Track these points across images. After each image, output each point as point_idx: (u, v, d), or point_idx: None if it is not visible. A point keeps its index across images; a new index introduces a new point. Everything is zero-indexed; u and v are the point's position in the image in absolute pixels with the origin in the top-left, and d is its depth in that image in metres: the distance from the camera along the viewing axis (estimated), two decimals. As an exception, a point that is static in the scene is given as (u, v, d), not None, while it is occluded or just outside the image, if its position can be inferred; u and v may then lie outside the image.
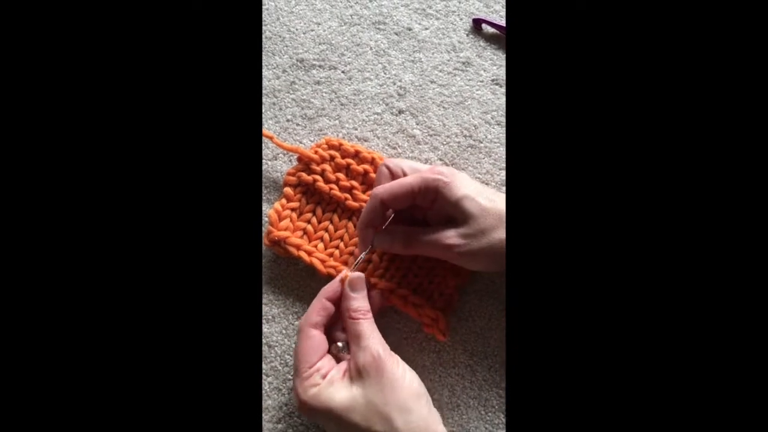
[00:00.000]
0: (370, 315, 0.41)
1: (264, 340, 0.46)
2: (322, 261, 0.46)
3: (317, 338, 0.40)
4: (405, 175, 0.43)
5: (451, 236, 0.40)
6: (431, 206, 0.42)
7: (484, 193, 0.41)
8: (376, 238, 0.43)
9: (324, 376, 0.38)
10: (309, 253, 0.46)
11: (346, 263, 0.47)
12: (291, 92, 0.54)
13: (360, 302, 0.41)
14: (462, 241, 0.40)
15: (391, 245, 0.43)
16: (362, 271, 0.45)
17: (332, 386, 0.38)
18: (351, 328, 0.40)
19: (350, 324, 0.40)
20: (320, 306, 0.41)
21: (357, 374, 0.38)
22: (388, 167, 0.44)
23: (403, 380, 0.38)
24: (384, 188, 0.42)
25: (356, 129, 0.52)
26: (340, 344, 0.41)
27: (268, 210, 0.48)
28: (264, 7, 0.57)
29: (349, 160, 0.49)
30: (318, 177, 0.49)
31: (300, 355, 0.39)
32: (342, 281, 0.42)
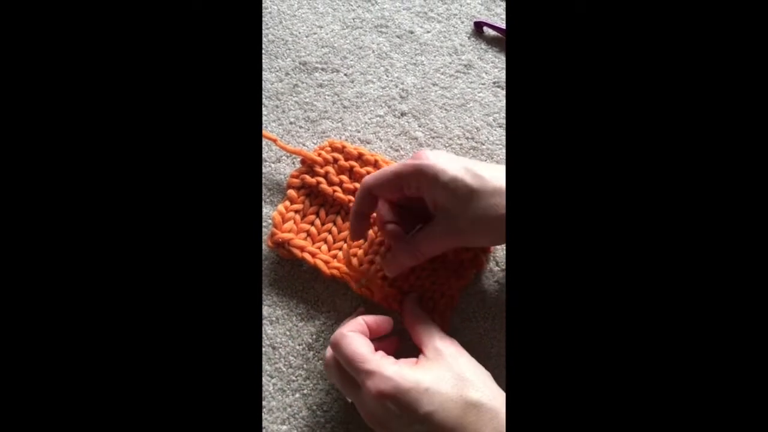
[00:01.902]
0: (425, 317, 0.42)
1: (268, 342, 0.46)
2: (326, 262, 0.47)
3: (360, 338, 0.38)
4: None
5: (449, 227, 0.39)
6: (420, 193, 0.40)
7: (470, 170, 0.39)
8: (384, 265, 0.44)
9: (395, 363, 0.37)
10: (313, 255, 0.47)
11: (350, 264, 0.47)
12: (294, 95, 0.54)
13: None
14: (462, 226, 0.39)
15: (401, 264, 0.43)
16: (375, 277, 0.45)
17: (409, 364, 0.37)
18: (415, 326, 0.41)
19: (414, 324, 0.41)
20: (356, 322, 0.40)
21: (434, 356, 0.38)
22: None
23: (478, 364, 0.39)
24: (371, 176, 0.42)
25: (359, 131, 0.53)
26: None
27: (272, 212, 0.49)
28: (267, 10, 0.57)
29: (352, 163, 0.49)
30: (321, 179, 0.49)
31: (354, 351, 0.37)
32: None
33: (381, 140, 0.52)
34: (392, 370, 0.35)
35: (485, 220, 0.38)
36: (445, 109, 0.53)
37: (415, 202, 0.42)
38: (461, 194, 0.38)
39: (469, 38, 0.56)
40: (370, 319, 0.41)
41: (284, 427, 0.44)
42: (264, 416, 0.44)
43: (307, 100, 0.54)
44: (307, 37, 0.56)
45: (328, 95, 0.54)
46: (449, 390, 0.35)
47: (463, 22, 0.57)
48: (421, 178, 0.39)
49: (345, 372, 0.38)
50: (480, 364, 0.39)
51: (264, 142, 0.51)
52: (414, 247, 0.41)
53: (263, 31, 0.56)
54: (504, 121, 0.53)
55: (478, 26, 0.56)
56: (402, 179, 0.40)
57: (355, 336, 0.38)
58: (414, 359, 0.38)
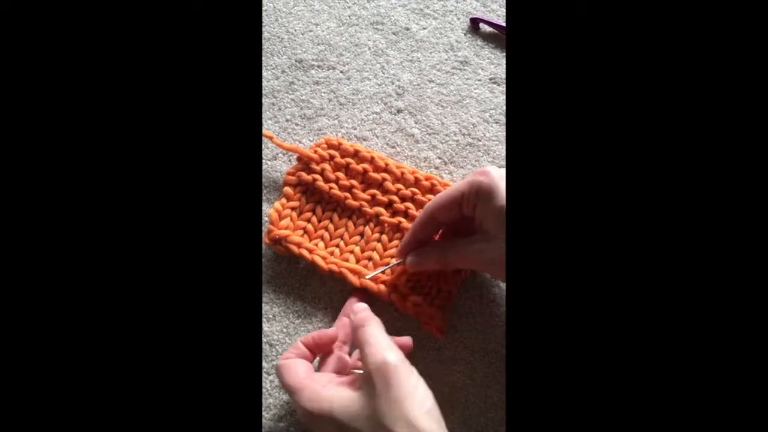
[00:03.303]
0: (376, 321, 0.38)
1: (265, 339, 0.46)
2: (324, 258, 0.46)
3: (296, 361, 0.39)
4: None
5: (484, 251, 0.38)
6: (473, 212, 0.40)
7: None
8: (409, 259, 0.43)
9: (323, 386, 0.36)
10: (310, 251, 0.47)
11: (346, 261, 0.47)
12: (290, 92, 0.54)
13: (364, 312, 0.38)
14: (496, 257, 0.38)
15: (426, 264, 0.43)
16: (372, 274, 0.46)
17: (334, 390, 0.35)
18: (357, 337, 0.37)
19: (356, 334, 0.37)
20: (294, 347, 0.40)
21: (364, 382, 0.34)
22: None
23: (414, 394, 0.33)
24: (433, 201, 0.42)
25: (355, 128, 0.53)
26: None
27: (269, 209, 0.49)
28: (263, 8, 0.57)
29: (349, 160, 0.49)
30: (318, 176, 0.49)
31: (289, 377, 0.37)
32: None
33: (377, 137, 0.52)
34: (307, 397, 0.35)
35: None
36: (442, 106, 0.53)
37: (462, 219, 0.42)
38: None
39: (465, 35, 0.56)
40: (308, 339, 0.40)
41: (281, 424, 0.44)
42: (261, 413, 0.44)
43: (304, 97, 0.54)
44: (303, 34, 0.56)
45: (325, 92, 0.54)
46: (362, 429, 0.33)
47: (459, 19, 0.57)
48: (479, 194, 0.39)
49: None
50: (419, 392, 0.34)
51: (260, 139, 0.51)
52: (444, 254, 0.41)
53: (259, 29, 0.56)
54: (500, 117, 0.53)
55: (475, 23, 0.56)
56: (463, 199, 0.40)
57: (286, 364, 0.38)
58: (351, 378, 0.37)
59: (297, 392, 0.36)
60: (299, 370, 0.38)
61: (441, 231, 0.45)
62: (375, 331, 0.36)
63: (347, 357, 0.42)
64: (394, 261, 0.46)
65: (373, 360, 0.34)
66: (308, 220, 0.48)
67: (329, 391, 0.35)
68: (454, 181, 0.50)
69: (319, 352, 0.42)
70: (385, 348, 0.35)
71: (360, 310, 0.39)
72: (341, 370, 0.41)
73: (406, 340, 0.42)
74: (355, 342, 0.37)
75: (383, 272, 0.46)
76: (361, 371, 0.36)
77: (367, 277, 0.45)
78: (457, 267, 0.42)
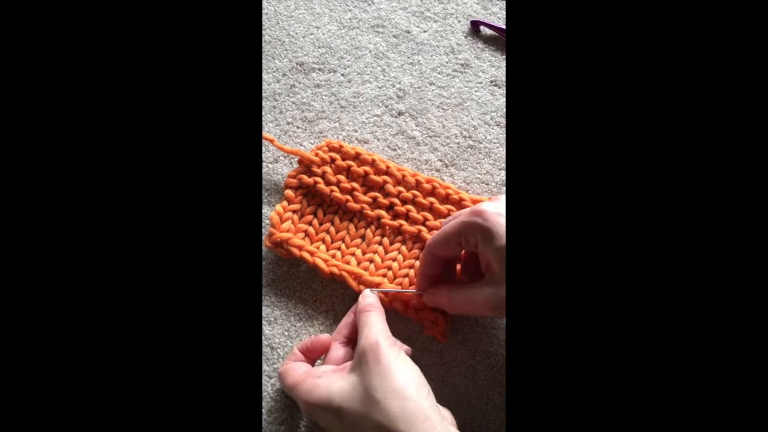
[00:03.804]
0: (379, 309, 0.41)
1: (266, 342, 0.46)
2: (325, 261, 0.46)
3: (294, 363, 0.41)
4: None
5: (492, 296, 0.38)
6: (476, 249, 0.39)
7: None
8: (425, 297, 0.44)
9: (319, 377, 0.38)
10: (312, 254, 0.47)
11: (348, 263, 0.47)
12: (291, 95, 0.54)
13: (371, 299, 0.42)
14: (504, 298, 0.37)
15: (437, 304, 0.43)
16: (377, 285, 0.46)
17: (329, 378, 0.37)
18: (359, 319, 0.40)
19: (359, 316, 0.41)
20: (292, 353, 0.43)
21: (357, 362, 0.37)
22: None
23: (401, 369, 0.36)
24: (432, 239, 0.42)
25: (356, 131, 0.53)
26: None
27: (270, 212, 0.49)
28: (264, 11, 0.57)
29: (350, 162, 0.49)
30: (319, 179, 0.49)
31: (288, 379, 0.40)
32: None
33: (378, 140, 0.52)
34: (306, 389, 0.38)
35: None
36: (443, 108, 0.53)
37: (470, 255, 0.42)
38: None
39: (465, 37, 0.56)
40: (303, 345, 0.43)
41: (283, 428, 0.44)
42: (263, 417, 0.44)
43: (305, 100, 0.54)
44: (303, 37, 0.56)
45: (326, 95, 0.54)
46: (359, 408, 0.35)
47: (459, 22, 0.57)
48: (478, 235, 0.38)
49: None
50: (407, 367, 0.37)
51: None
52: (453, 302, 0.41)
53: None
54: (500, 120, 0.53)
55: (475, 25, 0.56)
56: (461, 237, 0.39)
57: (286, 369, 0.41)
58: (345, 365, 0.39)
59: (296, 388, 0.38)
60: (298, 371, 0.40)
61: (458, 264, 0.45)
62: (375, 319, 0.40)
63: (349, 349, 0.42)
64: (412, 289, 0.46)
65: (366, 341, 0.37)
66: (309, 223, 0.49)
67: (325, 379, 0.37)
68: (455, 184, 0.50)
69: (314, 357, 0.43)
70: (380, 332, 0.38)
71: (369, 296, 0.43)
72: (343, 361, 0.41)
73: (406, 348, 0.43)
74: (357, 323, 0.40)
75: (399, 292, 0.46)
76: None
77: (376, 290, 0.45)
78: (464, 312, 0.43)
